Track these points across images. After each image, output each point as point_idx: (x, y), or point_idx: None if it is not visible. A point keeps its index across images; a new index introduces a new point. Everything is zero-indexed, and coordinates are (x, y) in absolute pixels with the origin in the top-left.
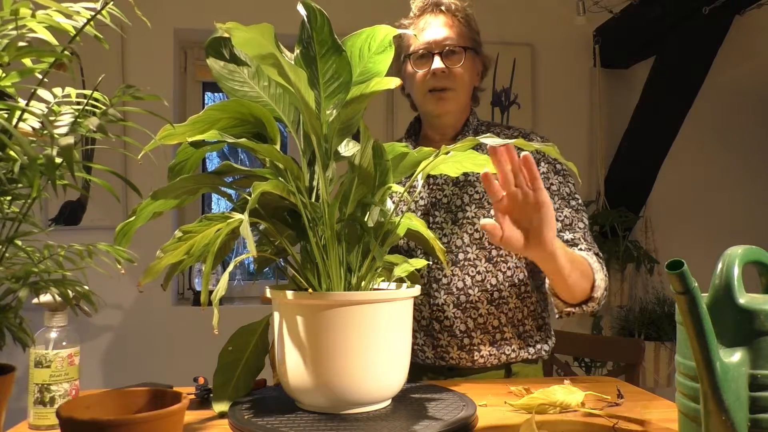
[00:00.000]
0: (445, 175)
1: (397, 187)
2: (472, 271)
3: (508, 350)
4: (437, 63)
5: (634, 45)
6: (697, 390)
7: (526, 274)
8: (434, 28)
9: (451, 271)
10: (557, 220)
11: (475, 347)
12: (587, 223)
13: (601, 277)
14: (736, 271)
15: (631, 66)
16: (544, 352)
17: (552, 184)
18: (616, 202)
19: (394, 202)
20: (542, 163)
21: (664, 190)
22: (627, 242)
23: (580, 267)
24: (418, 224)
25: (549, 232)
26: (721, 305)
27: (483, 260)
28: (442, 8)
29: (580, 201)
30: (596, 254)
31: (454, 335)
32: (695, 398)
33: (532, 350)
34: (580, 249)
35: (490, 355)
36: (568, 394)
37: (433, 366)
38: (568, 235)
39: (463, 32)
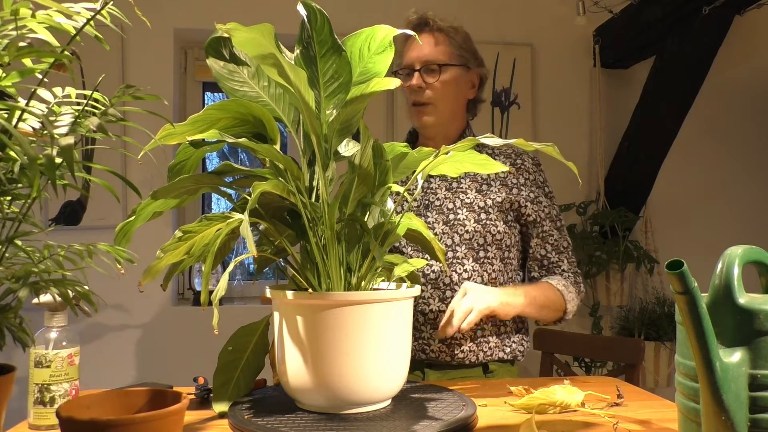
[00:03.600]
0: (439, 180)
1: (397, 187)
2: (460, 269)
3: (486, 348)
4: (414, 79)
5: (634, 45)
6: (697, 390)
7: (504, 278)
8: (417, 47)
9: (440, 267)
10: (548, 242)
11: (456, 342)
12: (570, 242)
13: (572, 305)
14: (736, 271)
15: (631, 66)
16: (518, 353)
17: (545, 207)
18: (616, 202)
19: (394, 202)
20: (533, 188)
21: (664, 190)
22: (627, 242)
23: (551, 306)
24: (418, 224)
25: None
26: (721, 305)
27: (470, 260)
28: (427, 28)
29: (563, 221)
30: (576, 273)
31: (437, 328)
32: (695, 398)
33: (508, 350)
34: (563, 270)
35: (470, 351)
36: (568, 394)
37: (413, 359)
38: (554, 257)
39: (447, 49)
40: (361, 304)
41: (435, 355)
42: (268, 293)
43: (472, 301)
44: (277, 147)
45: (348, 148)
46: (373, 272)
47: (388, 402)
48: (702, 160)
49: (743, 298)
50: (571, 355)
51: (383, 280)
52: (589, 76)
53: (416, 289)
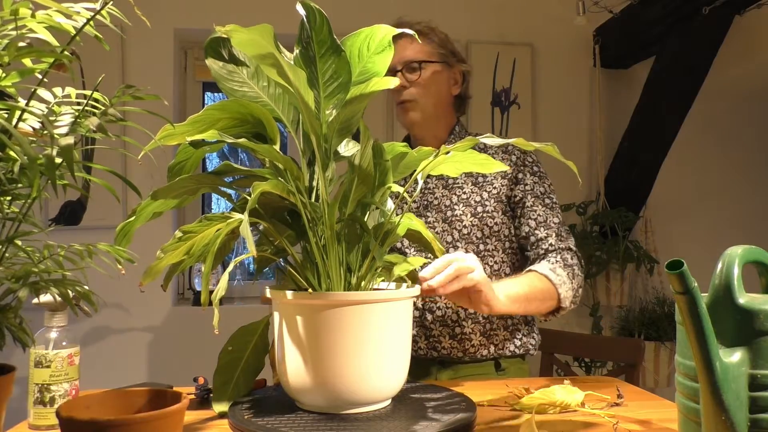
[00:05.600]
0: (436, 179)
1: (397, 187)
2: None
3: (496, 340)
4: (396, 79)
5: (634, 45)
6: (697, 390)
7: (511, 269)
8: (397, 52)
9: None
10: (531, 218)
11: (467, 336)
12: (561, 219)
13: (566, 289)
14: (736, 271)
15: (631, 66)
16: (530, 346)
17: (527, 184)
18: (616, 202)
19: (394, 203)
20: (521, 166)
21: (664, 190)
22: (627, 242)
23: (538, 296)
24: (418, 224)
25: (486, 306)
26: (721, 305)
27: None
28: (406, 29)
29: (554, 200)
30: (569, 249)
31: (446, 324)
32: (695, 398)
33: (518, 342)
34: (551, 245)
35: (480, 344)
36: (568, 394)
37: (425, 358)
38: (542, 233)
39: (425, 48)
40: (361, 304)
41: (447, 352)
42: (268, 293)
43: (475, 267)
44: (277, 147)
45: (348, 148)
46: (373, 272)
47: (388, 402)
48: (702, 160)
49: (743, 298)
50: (571, 355)
51: (383, 280)
52: (589, 76)
53: (416, 289)
